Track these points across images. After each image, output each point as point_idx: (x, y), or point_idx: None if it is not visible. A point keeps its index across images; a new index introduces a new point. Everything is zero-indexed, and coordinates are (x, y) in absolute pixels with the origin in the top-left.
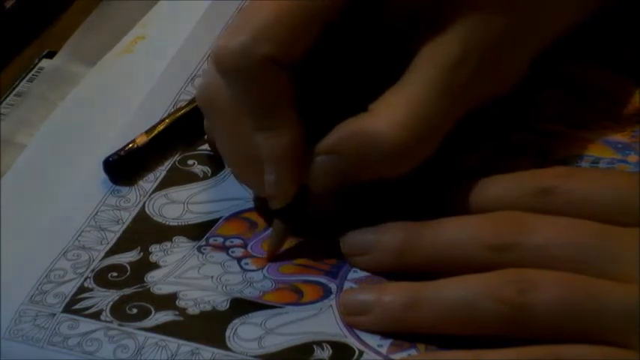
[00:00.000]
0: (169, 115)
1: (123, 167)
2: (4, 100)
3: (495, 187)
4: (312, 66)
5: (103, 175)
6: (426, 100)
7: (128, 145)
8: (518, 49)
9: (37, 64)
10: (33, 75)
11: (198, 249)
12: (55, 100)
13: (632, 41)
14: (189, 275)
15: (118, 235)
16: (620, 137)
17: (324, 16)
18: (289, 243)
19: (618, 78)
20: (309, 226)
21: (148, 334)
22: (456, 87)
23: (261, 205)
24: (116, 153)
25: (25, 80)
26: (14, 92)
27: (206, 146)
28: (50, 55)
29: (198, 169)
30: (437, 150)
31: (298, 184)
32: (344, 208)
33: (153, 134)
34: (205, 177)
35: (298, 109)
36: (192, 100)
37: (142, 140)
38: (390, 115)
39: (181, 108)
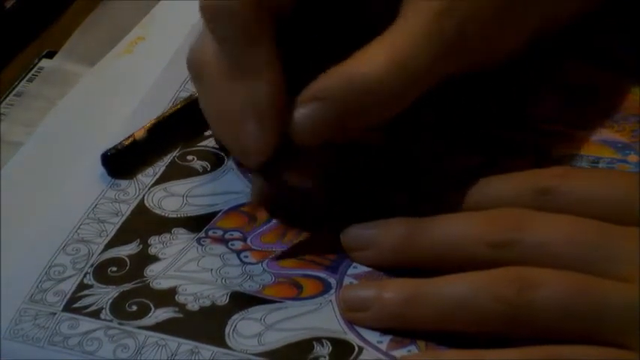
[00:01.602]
0: (168, 110)
1: (121, 161)
2: (4, 100)
3: (495, 186)
4: (300, 20)
5: (101, 170)
6: (414, 43)
7: (126, 139)
8: (516, 20)
9: (37, 64)
10: (33, 75)
11: (198, 241)
12: (55, 100)
13: (632, 41)
14: (188, 268)
15: (117, 226)
16: (620, 137)
17: None
18: (289, 238)
19: (618, 78)
20: (301, 218)
21: (148, 333)
22: (443, 35)
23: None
24: (114, 147)
25: (25, 80)
26: (14, 92)
27: (206, 142)
28: (50, 55)
29: (197, 164)
30: (437, 149)
31: (279, 137)
32: (335, 197)
33: (150, 127)
34: (205, 172)
35: (284, 62)
36: (190, 96)
37: (140, 134)
38: (373, 56)
39: (180, 103)
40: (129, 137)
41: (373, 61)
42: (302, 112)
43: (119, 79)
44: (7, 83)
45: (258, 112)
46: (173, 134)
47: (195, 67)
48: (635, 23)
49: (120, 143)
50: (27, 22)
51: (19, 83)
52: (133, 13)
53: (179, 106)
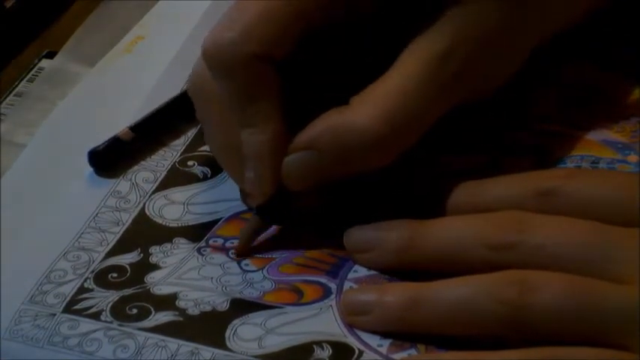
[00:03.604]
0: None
1: (106, 159)
2: (4, 100)
3: (496, 188)
4: (301, 59)
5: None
6: (407, 94)
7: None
8: (510, 48)
9: (37, 64)
10: (33, 75)
11: (198, 250)
12: (55, 100)
13: (632, 41)
14: (189, 276)
15: (117, 236)
16: (620, 137)
17: (311, 15)
18: (290, 243)
19: (617, 78)
20: (296, 222)
21: (148, 335)
22: (439, 82)
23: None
24: (99, 145)
25: (25, 80)
26: (14, 92)
27: (206, 147)
28: (50, 55)
29: (198, 169)
30: (437, 150)
31: (277, 184)
32: (328, 201)
33: (134, 125)
34: (205, 178)
35: (285, 102)
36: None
37: (123, 133)
38: (368, 107)
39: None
40: (113, 136)
41: (364, 111)
42: (291, 160)
43: (119, 79)
44: (8, 83)
45: (255, 161)
46: (159, 131)
47: (197, 95)
48: (635, 23)
49: (104, 142)
50: (27, 22)
51: (19, 83)
52: (134, 13)
53: (164, 104)
